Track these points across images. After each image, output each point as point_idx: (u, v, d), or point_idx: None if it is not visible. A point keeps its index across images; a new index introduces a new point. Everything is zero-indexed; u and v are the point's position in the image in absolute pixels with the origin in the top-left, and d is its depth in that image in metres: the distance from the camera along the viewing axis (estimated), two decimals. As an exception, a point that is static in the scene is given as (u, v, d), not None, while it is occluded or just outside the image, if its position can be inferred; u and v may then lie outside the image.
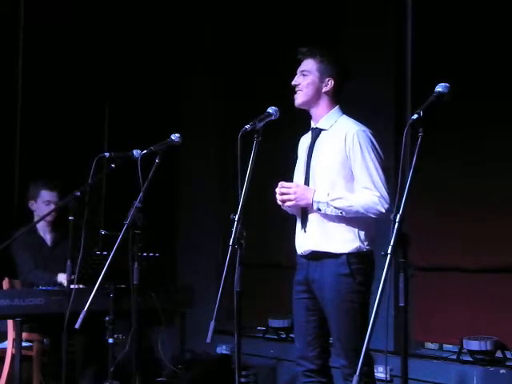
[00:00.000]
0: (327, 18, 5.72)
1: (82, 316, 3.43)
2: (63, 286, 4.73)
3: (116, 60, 6.52)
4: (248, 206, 3.01)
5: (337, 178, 3.38)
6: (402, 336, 2.64)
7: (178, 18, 6.73)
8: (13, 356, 4.65)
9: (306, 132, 3.59)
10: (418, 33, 5.21)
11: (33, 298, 4.47)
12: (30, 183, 5.26)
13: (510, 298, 4.58)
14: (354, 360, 3.19)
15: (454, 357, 4.73)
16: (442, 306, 4.95)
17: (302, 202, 3.38)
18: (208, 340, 2.92)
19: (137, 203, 3.74)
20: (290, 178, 3.56)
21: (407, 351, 2.65)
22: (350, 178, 3.38)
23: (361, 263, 3.34)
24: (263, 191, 3.62)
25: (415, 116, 2.64)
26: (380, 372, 4.37)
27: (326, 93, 3.47)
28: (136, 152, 4.12)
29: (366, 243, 3.37)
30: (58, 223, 5.12)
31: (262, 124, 3.20)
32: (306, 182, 3.45)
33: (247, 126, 3.16)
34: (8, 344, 4.79)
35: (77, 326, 3.44)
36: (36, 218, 5.10)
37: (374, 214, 3.32)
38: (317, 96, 3.47)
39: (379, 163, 3.36)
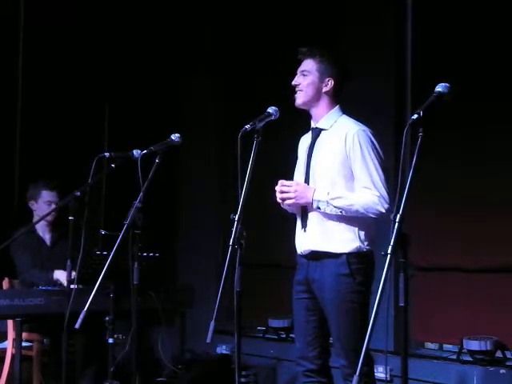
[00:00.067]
0: (327, 18, 5.72)
1: (81, 316, 3.43)
2: (61, 284, 4.75)
3: (116, 60, 6.52)
4: (248, 205, 3.01)
5: (337, 177, 3.38)
6: (402, 336, 2.64)
7: (178, 18, 6.73)
8: (13, 356, 4.65)
9: (306, 132, 3.59)
10: (418, 33, 5.21)
11: (33, 298, 4.47)
12: (30, 183, 5.26)
13: (509, 298, 4.57)
14: (354, 360, 3.19)
15: (454, 357, 4.73)
16: (442, 306, 4.95)
17: (302, 201, 3.38)
18: (208, 340, 2.92)
19: (137, 203, 3.74)
20: (289, 178, 3.55)
21: (407, 351, 2.65)
22: (350, 177, 3.38)
23: (361, 263, 3.34)
24: (263, 191, 3.62)
25: (415, 116, 2.64)
26: (380, 372, 4.37)
27: (326, 93, 3.47)
28: (136, 152, 4.12)
29: (365, 243, 3.37)
30: (57, 223, 5.12)
31: (261, 124, 3.20)
32: (306, 182, 3.45)
33: (247, 126, 3.16)
34: (8, 344, 4.79)
35: (77, 325, 3.44)
36: (36, 218, 5.11)
37: (373, 213, 3.32)
38: (317, 96, 3.47)
39: (379, 163, 3.36)
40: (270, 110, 3.27)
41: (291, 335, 5.50)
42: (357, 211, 3.31)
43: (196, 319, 4.99)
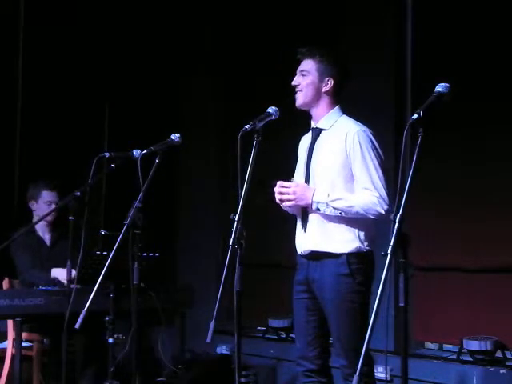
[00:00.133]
0: (327, 17, 5.72)
1: (81, 316, 3.43)
2: (59, 282, 4.75)
3: (116, 60, 6.52)
4: (248, 206, 3.01)
5: (337, 178, 3.38)
6: (402, 336, 2.64)
7: (178, 18, 6.73)
8: (13, 356, 4.65)
9: (307, 132, 3.59)
10: (418, 33, 5.21)
11: (33, 298, 4.47)
12: (30, 183, 5.26)
13: (510, 298, 4.58)
14: (354, 360, 3.19)
15: (454, 357, 4.73)
16: (442, 306, 4.95)
17: (302, 202, 3.38)
18: (208, 340, 2.92)
19: (137, 203, 3.74)
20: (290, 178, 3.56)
21: (407, 351, 2.65)
22: (350, 178, 3.38)
23: (361, 263, 3.34)
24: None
25: (415, 116, 2.64)
26: (380, 372, 4.37)
27: (325, 93, 3.47)
28: (136, 152, 4.12)
29: (365, 243, 3.37)
30: (57, 223, 5.12)
31: (261, 124, 3.20)
32: (306, 182, 3.45)
33: (247, 126, 3.16)
34: (8, 344, 4.78)
35: (77, 325, 3.44)
36: (36, 218, 5.11)
37: (373, 214, 3.31)
38: (317, 96, 3.47)
39: (379, 163, 3.36)
40: (270, 109, 3.27)
41: (291, 335, 5.50)
42: (357, 212, 3.31)
43: (196, 319, 4.99)
